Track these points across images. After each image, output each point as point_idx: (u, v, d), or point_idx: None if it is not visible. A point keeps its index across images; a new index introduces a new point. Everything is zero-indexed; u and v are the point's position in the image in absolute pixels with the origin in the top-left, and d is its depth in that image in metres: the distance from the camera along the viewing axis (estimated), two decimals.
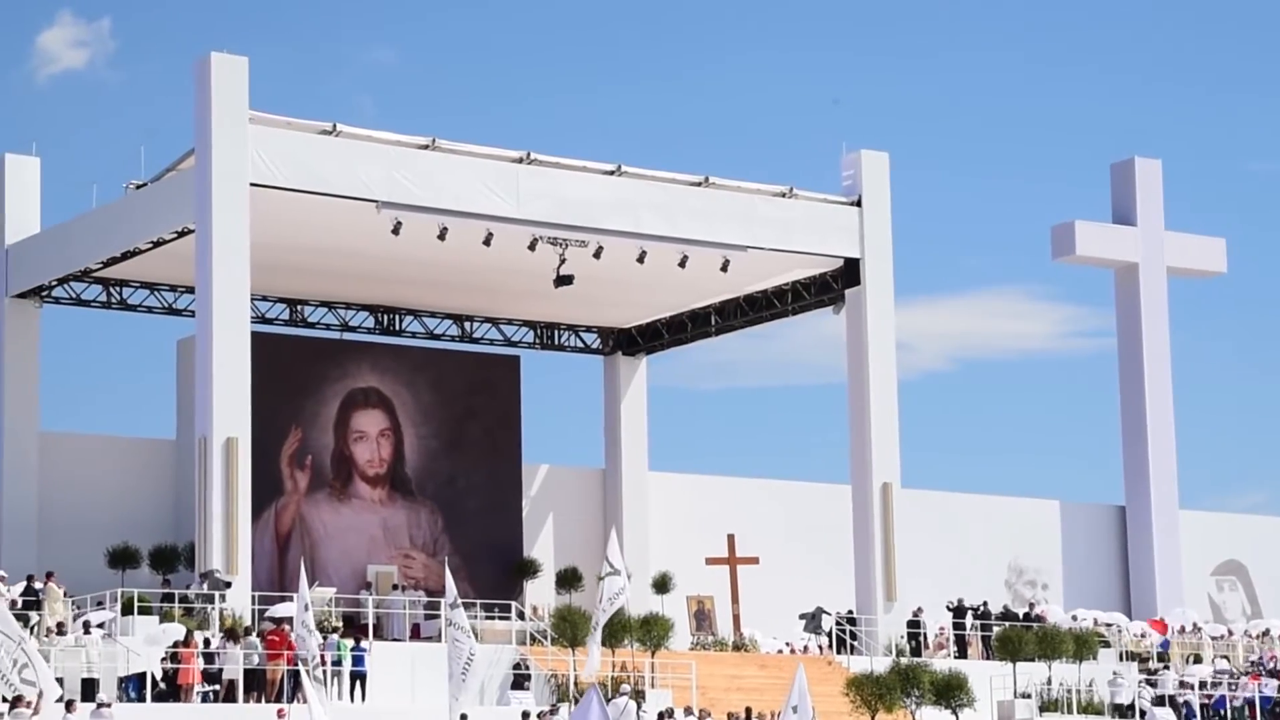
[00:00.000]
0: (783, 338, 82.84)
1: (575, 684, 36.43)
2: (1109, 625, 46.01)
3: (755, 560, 47.16)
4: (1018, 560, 53.35)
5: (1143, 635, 45.87)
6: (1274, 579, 55.22)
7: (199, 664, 33.26)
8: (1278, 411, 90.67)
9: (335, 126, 40.05)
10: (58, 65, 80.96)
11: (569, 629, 36.79)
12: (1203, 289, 62.34)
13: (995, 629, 42.87)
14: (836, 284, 46.15)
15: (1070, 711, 39.58)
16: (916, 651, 42.53)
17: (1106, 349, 54.60)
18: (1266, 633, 46.82)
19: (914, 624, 43.89)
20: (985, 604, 45.31)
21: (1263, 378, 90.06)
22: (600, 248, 42.64)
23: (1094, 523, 54.01)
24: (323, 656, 33.77)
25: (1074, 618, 45.66)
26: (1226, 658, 44.52)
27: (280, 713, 31.03)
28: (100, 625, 34.05)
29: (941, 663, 39.89)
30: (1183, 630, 46.76)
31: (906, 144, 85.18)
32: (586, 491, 50.28)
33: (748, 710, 35.78)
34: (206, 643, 34.02)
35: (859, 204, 45.60)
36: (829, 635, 43.73)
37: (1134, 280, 53.44)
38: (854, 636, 43.30)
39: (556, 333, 50.56)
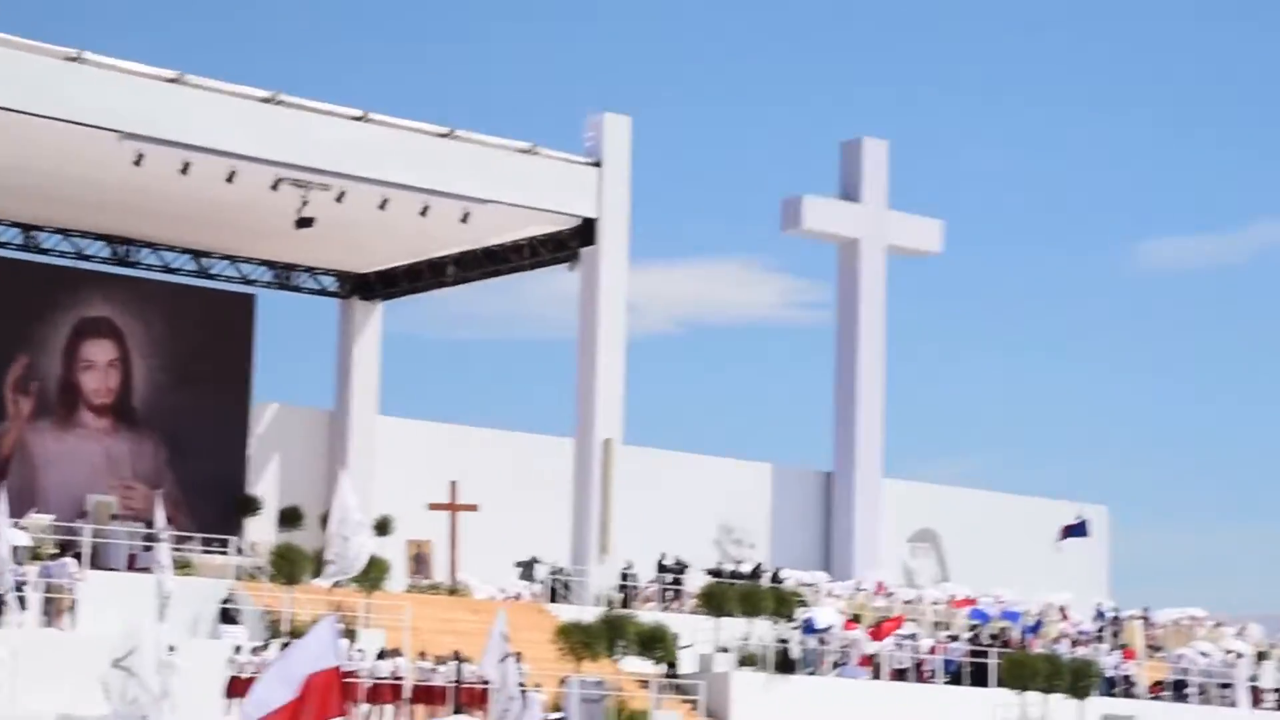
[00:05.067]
0: (519, 292, 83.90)
1: (291, 621, 37.02)
2: (810, 585, 47.94)
3: (474, 507, 47.95)
4: (728, 519, 54.92)
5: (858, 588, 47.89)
6: (962, 547, 57.78)
7: None
8: (977, 389, 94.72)
9: (80, 53, 39.82)
10: None
11: (287, 566, 37.34)
12: (920, 268, 64.73)
13: (701, 584, 44.47)
14: (573, 242, 47.10)
15: (768, 668, 41.08)
16: (626, 603, 43.89)
17: (827, 321, 56.50)
18: (954, 598, 49.24)
19: (625, 576, 45.30)
20: (679, 560, 46.83)
21: (967, 356, 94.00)
22: (343, 192, 42.97)
23: (802, 487, 55.56)
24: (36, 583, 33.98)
25: (775, 577, 47.39)
26: (916, 620, 46.69)
27: None
28: None
29: (648, 615, 41.29)
30: (877, 594, 48.88)
31: (650, 110, 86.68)
32: (314, 432, 50.61)
33: (456, 653, 36.59)
34: None
35: (599, 165, 46.60)
36: (543, 584, 44.88)
37: (855, 255, 54.88)
38: (567, 586, 44.53)
39: (294, 274, 50.78)
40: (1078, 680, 41.74)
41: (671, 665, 39.26)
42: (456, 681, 35.42)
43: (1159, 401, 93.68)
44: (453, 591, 44.51)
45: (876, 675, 42.47)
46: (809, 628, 41.79)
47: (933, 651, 43.51)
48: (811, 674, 41.60)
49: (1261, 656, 48.89)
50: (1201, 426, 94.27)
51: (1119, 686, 45.03)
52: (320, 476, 49.31)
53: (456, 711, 35.22)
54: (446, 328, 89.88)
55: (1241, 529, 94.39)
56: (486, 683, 34.13)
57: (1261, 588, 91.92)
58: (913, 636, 43.80)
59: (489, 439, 52.27)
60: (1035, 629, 46.94)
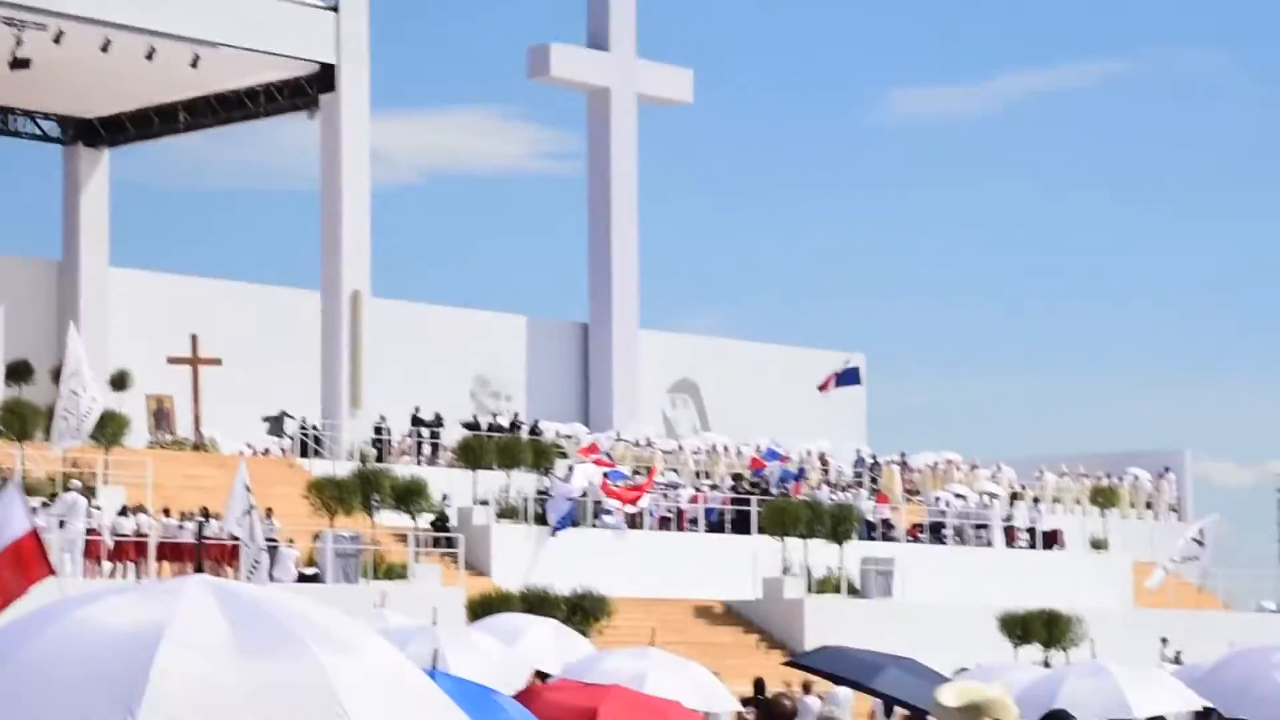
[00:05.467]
0: (257, 140, 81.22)
1: (23, 478, 35.02)
2: (568, 437, 47.16)
3: (218, 361, 46.22)
4: (483, 372, 53.86)
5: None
6: (722, 397, 57.48)
7: None
8: (731, 239, 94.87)
9: None
10: None
11: (17, 422, 35.36)
12: (671, 117, 63.94)
13: (458, 438, 43.38)
14: (311, 89, 45.40)
15: (528, 520, 40.38)
16: (381, 457, 42.68)
17: (578, 172, 55.38)
18: (714, 448, 48.88)
19: (379, 430, 44.02)
20: (435, 414, 45.71)
21: (722, 206, 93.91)
22: (61, 32, 40.72)
23: (558, 338, 54.90)
24: None
25: (533, 429, 46.53)
26: (676, 470, 46.30)
27: None
28: None
29: (403, 469, 40.12)
30: (637, 444, 48.34)
31: None
32: (41, 284, 48.25)
33: (204, 510, 35.14)
34: None
35: (335, 9, 44.85)
36: (292, 439, 43.42)
37: (605, 105, 53.97)
38: (318, 441, 43.12)
39: (12, 118, 48.05)
40: (837, 525, 41.69)
41: (440, 519, 38.17)
42: (202, 537, 33.91)
43: (911, 249, 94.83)
44: (197, 447, 42.77)
45: (637, 525, 41.93)
46: (562, 492, 40.93)
47: (694, 501, 43.07)
48: (572, 525, 40.90)
49: (1015, 497, 49.53)
50: (952, 273, 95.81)
51: (878, 530, 45.16)
52: (50, 330, 46.86)
53: (199, 569, 33.64)
54: (181, 177, 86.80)
55: (994, 375, 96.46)
56: (236, 538, 32.65)
57: (1013, 430, 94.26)
58: (674, 487, 43.30)
59: (230, 291, 50.33)
60: (798, 476, 46.84)
